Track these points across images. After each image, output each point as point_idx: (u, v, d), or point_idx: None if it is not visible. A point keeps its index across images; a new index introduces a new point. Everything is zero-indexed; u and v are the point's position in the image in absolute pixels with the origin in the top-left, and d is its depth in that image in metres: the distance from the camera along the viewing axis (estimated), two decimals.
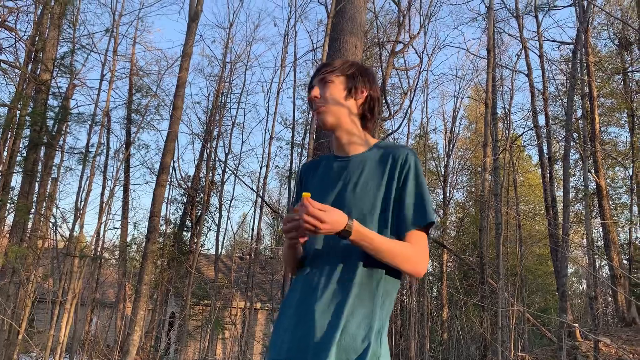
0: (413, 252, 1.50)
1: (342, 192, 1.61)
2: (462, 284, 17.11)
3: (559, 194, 15.11)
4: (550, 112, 17.36)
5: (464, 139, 27.72)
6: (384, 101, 14.68)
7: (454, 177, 25.92)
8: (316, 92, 1.66)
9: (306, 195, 1.41)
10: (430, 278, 21.42)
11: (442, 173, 24.26)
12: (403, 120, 20.77)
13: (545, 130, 14.50)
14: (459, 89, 28.35)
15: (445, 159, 24.62)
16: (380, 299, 1.50)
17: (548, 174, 14.39)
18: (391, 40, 15.97)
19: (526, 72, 14.93)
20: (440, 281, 21.05)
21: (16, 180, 8.65)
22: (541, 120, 15.65)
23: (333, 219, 1.40)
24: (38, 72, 7.79)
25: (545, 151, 14.88)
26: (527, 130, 16.96)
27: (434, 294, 22.33)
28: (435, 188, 25.04)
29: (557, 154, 16.37)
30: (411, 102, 12.69)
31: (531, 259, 20.44)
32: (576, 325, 12.03)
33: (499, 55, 15.61)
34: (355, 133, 1.69)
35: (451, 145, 24.61)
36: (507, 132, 14.30)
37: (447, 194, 24.43)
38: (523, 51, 14.31)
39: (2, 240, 8.35)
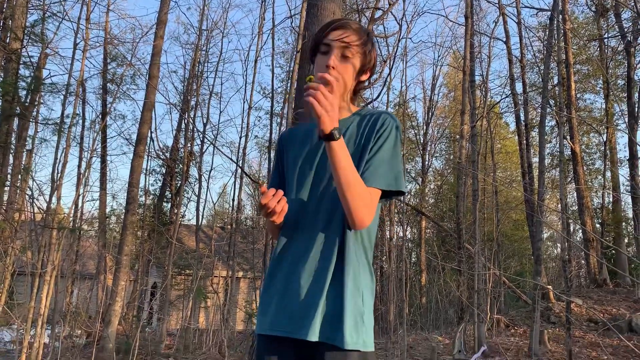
0: (367, 199, 1.45)
1: (325, 153, 1.60)
2: (440, 250, 17.44)
3: (535, 160, 15.37)
4: (527, 79, 17.50)
5: (443, 107, 27.84)
6: None
7: (433, 145, 26.12)
8: (334, 61, 1.56)
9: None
10: (409, 244, 21.76)
11: (422, 141, 24.40)
12: (382, 89, 20.76)
13: (522, 98, 14.64)
14: (438, 56, 28.34)
15: (425, 127, 24.74)
16: (363, 261, 1.53)
17: (525, 141, 14.59)
18: (370, 6, 15.80)
19: (504, 39, 14.97)
20: (419, 247, 21.42)
21: None
22: (518, 87, 15.79)
23: (334, 109, 1.37)
24: (7, 41, 7.57)
25: (522, 118, 15.05)
26: (505, 98, 17.10)
27: (413, 259, 22.74)
28: (415, 156, 25.23)
29: (534, 121, 16.56)
30: (390, 70, 12.67)
31: (507, 224, 20.87)
32: (550, 287, 12.41)
33: (477, 22, 15.58)
34: (343, 106, 1.65)
35: (430, 114, 24.71)
36: (484, 99, 14.40)
37: (426, 162, 24.64)
38: (501, 18, 14.30)
39: None
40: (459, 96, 23.92)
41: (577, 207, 15.40)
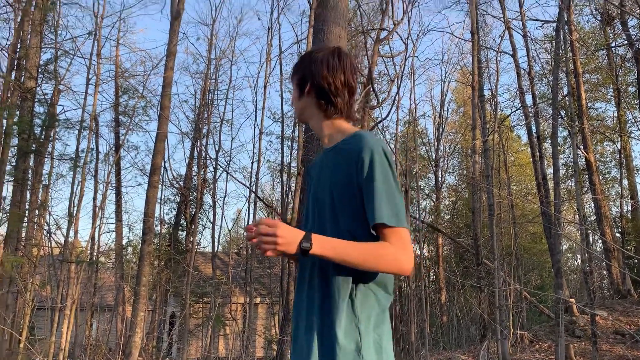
0: (388, 251, 1.41)
1: (317, 185, 1.62)
2: (458, 267, 17.25)
3: (550, 171, 15.22)
4: (536, 91, 17.44)
5: (453, 123, 27.81)
6: (371, 89, 14.70)
7: (445, 161, 26.04)
8: (292, 96, 1.74)
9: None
10: (427, 262, 21.56)
11: (433, 158, 24.35)
12: (391, 108, 20.79)
13: (532, 110, 14.59)
14: (446, 73, 28.42)
15: (436, 143, 24.70)
16: (358, 308, 1.47)
17: (538, 153, 14.48)
18: (375, 27, 15.95)
19: (511, 53, 14.98)
20: (437, 265, 21.20)
21: (7, 190, 8.62)
22: (528, 99, 15.74)
23: (287, 233, 1.38)
24: (22, 80, 7.74)
25: (534, 130, 14.97)
26: (515, 111, 17.05)
27: (432, 277, 22.50)
28: (427, 173, 25.15)
29: (546, 132, 16.47)
30: (398, 88, 12.73)
31: (525, 237, 20.62)
32: (572, 300, 12.18)
33: (483, 37, 15.65)
34: (320, 127, 1.67)
35: (441, 130, 24.69)
36: (494, 113, 14.37)
37: (440, 178, 24.54)
38: (507, 32, 14.34)
39: None
40: (469, 111, 23.91)
41: (595, 217, 15.19)
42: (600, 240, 18.33)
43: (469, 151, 22.81)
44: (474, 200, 11.75)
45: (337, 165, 1.55)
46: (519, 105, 15.26)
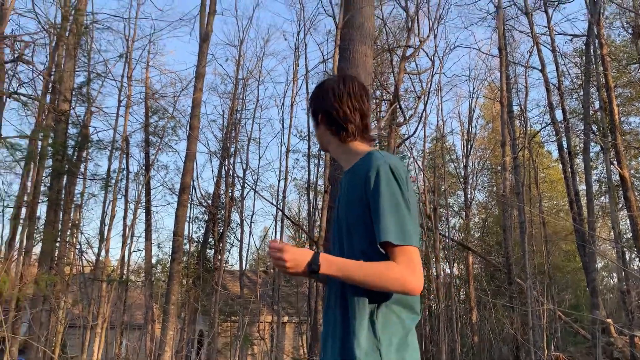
0: (393, 271, 1.43)
1: (339, 206, 1.68)
2: (489, 286, 16.91)
3: (582, 187, 14.88)
4: (567, 106, 17.15)
5: (481, 139, 27.50)
6: (397, 107, 14.67)
7: (475, 178, 25.71)
8: (313, 127, 1.85)
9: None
10: (457, 281, 21.20)
11: (462, 174, 24.08)
12: (418, 125, 20.68)
13: (563, 125, 14.34)
14: (473, 89, 28.23)
15: (464, 160, 24.44)
16: (379, 330, 1.47)
17: (569, 169, 14.20)
18: (401, 45, 15.97)
19: (539, 68, 14.80)
20: (467, 284, 20.82)
21: (41, 210, 8.82)
22: (558, 115, 15.47)
23: (294, 257, 1.45)
24: (57, 103, 7.96)
25: (565, 146, 14.70)
26: (545, 126, 16.76)
27: (462, 297, 22.09)
28: (456, 190, 24.85)
29: (577, 148, 16.13)
30: (425, 105, 12.67)
31: (558, 255, 20.13)
32: (609, 321, 11.79)
33: (511, 53, 15.51)
34: (337, 152, 1.75)
35: (469, 146, 24.43)
36: (524, 129, 14.15)
37: (469, 195, 24.22)
38: (535, 47, 14.19)
39: (31, 269, 8.50)
40: (498, 127, 23.62)
41: (631, 234, 14.74)
42: (637, 258, 17.77)
43: (499, 168, 22.50)
44: (505, 217, 11.55)
45: (352, 185, 1.61)
46: (549, 120, 15.02)
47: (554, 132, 15.78)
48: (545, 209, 20.88)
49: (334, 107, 1.69)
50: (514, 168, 10.78)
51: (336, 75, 1.79)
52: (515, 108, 14.43)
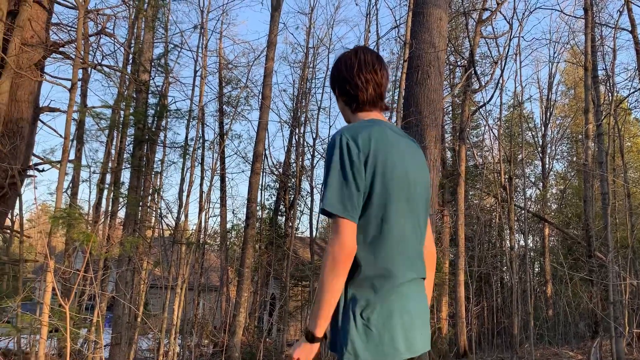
0: (325, 257, 1.52)
1: None
2: (566, 259, 16.29)
3: None
4: None
5: (562, 106, 26.16)
6: (473, 73, 14.17)
7: (553, 147, 24.60)
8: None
9: None
10: (532, 254, 20.56)
11: (540, 144, 23.08)
12: (494, 91, 19.96)
13: None
14: (554, 53, 26.63)
15: (543, 128, 23.38)
16: (348, 301, 1.58)
17: None
18: (477, 8, 15.32)
19: (630, 29, 13.76)
20: (543, 256, 20.16)
21: (124, 176, 9.32)
22: None
23: (300, 354, 1.56)
24: (137, 74, 8.30)
25: None
26: (634, 92, 15.65)
27: (537, 270, 21.44)
28: (533, 160, 23.90)
29: None
30: (502, 71, 12.16)
31: None
32: None
33: (597, 13, 14.49)
34: (349, 122, 1.83)
35: (548, 114, 23.32)
36: (610, 95, 13.28)
37: (547, 165, 23.24)
38: (625, 6, 13.17)
39: (116, 231, 9.05)
40: (580, 93, 22.34)
41: None
42: None
43: (580, 136, 21.37)
44: (586, 188, 11.01)
45: None
46: (638, 86, 14.02)
47: None
48: (631, 179, 19.69)
49: (346, 79, 1.75)
50: (597, 136, 10.20)
51: (353, 48, 1.81)
52: (601, 73, 13.56)
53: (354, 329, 1.52)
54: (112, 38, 9.29)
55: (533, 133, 23.39)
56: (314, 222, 19.32)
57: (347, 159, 1.54)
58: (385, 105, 1.79)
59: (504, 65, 12.92)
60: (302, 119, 19.40)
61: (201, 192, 13.71)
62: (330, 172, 1.56)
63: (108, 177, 10.30)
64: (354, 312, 1.53)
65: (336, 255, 1.49)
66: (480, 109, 17.01)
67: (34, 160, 8.65)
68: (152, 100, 9.22)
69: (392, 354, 1.49)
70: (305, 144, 19.11)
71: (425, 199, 1.71)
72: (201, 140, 13.42)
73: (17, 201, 7.61)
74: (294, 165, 19.15)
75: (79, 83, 8.22)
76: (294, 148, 19.58)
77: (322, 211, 1.54)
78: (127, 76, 9.11)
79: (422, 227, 1.69)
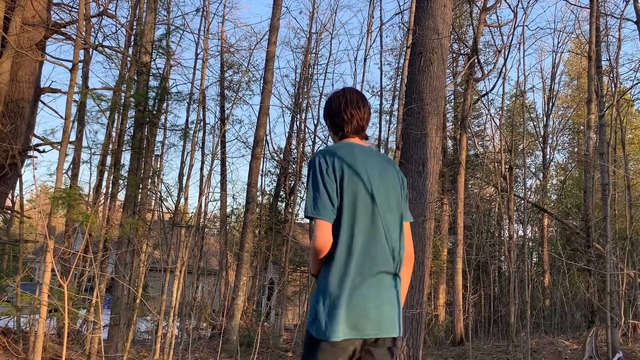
0: (310, 250, 1.97)
1: None
2: (564, 249, 16.33)
3: None
4: None
5: (564, 97, 26.06)
6: (476, 61, 14.09)
7: (555, 138, 24.55)
8: None
9: None
10: (530, 243, 20.62)
11: (542, 134, 23.04)
12: (497, 80, 19.88)
13: None
14: (558, 43, 26.51)
15: (545, 118, 23.33)
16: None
17: None
18: None
19: (635, 19, 13.66)
20: (541, 246, 20.22)
21: (124, 158, 9.29)
22: None
23: None
24: (139, 55, 8.24)
25: None
26: (637, 83, 15.57)
27: (535, 259, 21.52)
28: (535, 150, 23.88)
29: None
30: (505, 60, 12.08)
31: None
32: None
33: (602, 3, 14.36)
34: None
35: (551, 104, 23.25)
36: (613, 86, 13.21)
37: (547, 156, 23.22)
38: None
39: (116, 213, 9.05)
40: (583, 84, 22.22)
41: None
42: None
43: (582, 127, 21.32)
44: (587, 179, 11.01)
45: None
46: None
47: None
48: (632, 171, 19.68)
49: (335, 113, 2.15)
50: (599, 127, 10.16)
51: (339, 90, 2.21)
52: (605, 63, 13.48)
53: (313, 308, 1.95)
54: (114, 19, 9.24)
55: (535, 123, 23.34)
56: None
57: (319, 172, 1.95)
58: (365, 135, 2.20)
59: (508, 54, 12.86)
60: (304, 105, 19.35)
61: (201, 175, 13.72)
62: (308, 185, 1.97)
63: (108, 159, 10.29)
64: (317, 297, 1.91)
65: (315, 249, 1.90)
66: (483, 98, 16.96)
67: (35, 140, 8.64)
68: (153, 82, 9.16)
69: (334, 331, 1.82)
70: (306, 130, 19.09)
71: (396, 203, 2.05)
72: (202, 124, 13.38)
73: (18, 182, 7.61)
74: (295, 151, 19.14)
75: (80, 64, 8.18)
76: (295, 134, 19.55)
77: (305, 216, 1.94)
78: (128, 58, 9.06)
79: (389, 227, 2.00)
